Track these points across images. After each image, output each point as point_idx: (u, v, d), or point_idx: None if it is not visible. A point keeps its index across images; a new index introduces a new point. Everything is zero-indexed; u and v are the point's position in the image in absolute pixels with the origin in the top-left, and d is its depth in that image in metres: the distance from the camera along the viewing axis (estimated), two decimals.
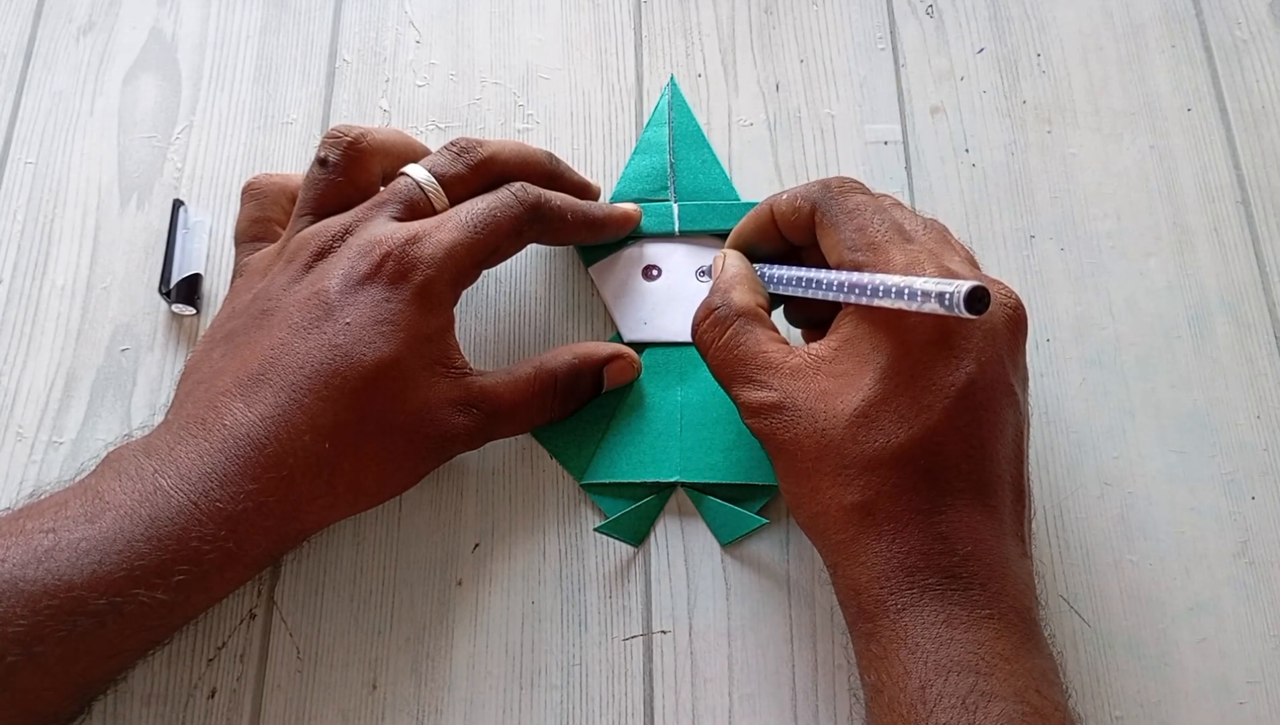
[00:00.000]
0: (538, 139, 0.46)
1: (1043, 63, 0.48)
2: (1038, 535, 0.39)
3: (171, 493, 0.32)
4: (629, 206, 0.43)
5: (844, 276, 0.33)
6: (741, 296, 0.36)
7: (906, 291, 0.30)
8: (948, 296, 0.28)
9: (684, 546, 0.39)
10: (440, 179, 0.38)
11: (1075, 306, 0.43)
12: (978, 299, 0.28)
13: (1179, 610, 0.38)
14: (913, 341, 0.32)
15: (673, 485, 0.40)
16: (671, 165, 0.45)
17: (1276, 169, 0.45)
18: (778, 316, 0.40)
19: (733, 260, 0.38)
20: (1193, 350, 0.42)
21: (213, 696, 0.37)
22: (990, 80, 0.47)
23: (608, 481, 0.40)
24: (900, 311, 0.32)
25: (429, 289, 0.36)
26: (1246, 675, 0.37)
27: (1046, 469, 0.40)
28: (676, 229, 0.43)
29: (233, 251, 0.41)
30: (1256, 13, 0.48)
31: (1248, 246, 0.44)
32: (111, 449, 0.34)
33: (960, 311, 0.28)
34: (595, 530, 0.39)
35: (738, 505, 0.39)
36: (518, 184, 0.39)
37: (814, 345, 0.34)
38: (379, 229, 0.37)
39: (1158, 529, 0.39)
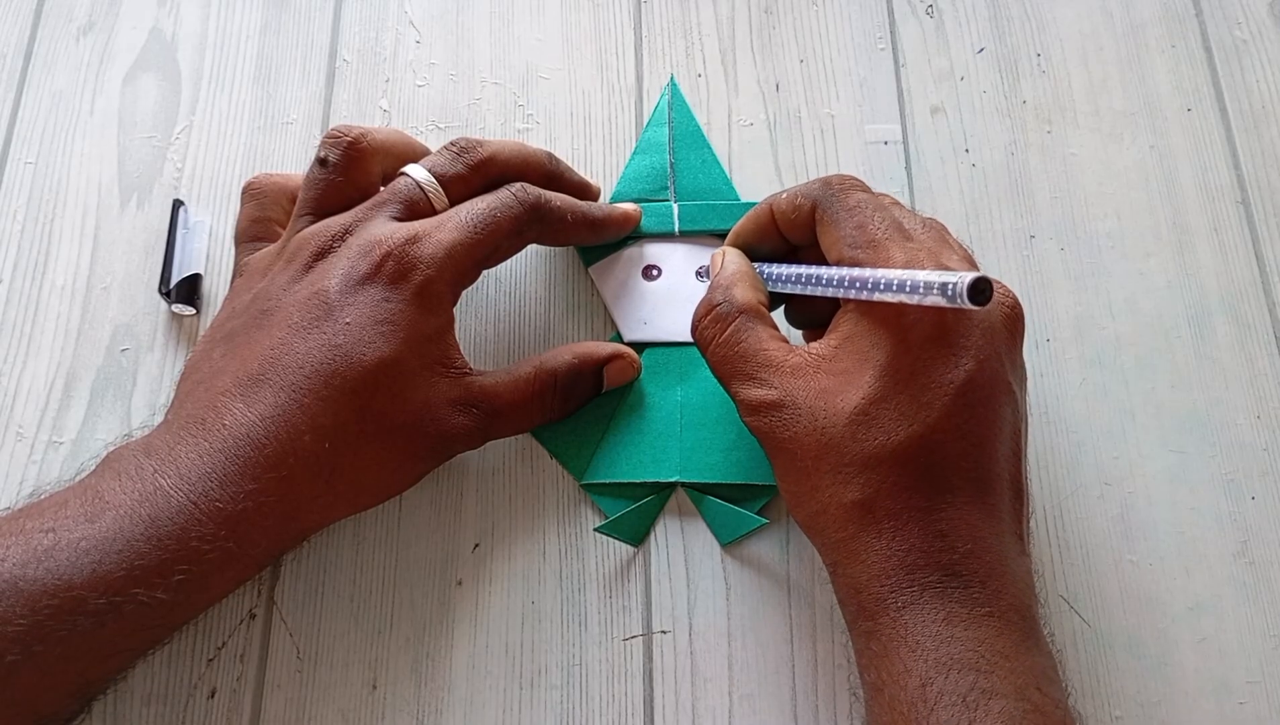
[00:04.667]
0: (538, 139, 0.46)
1: (1043, 63, 0.48)
2: (1037, 535, 0.39)
3: (171, 492, 0.32)
4: (629, 206, 0.43)
5: (845, 272, 0.33)
6: (743, 293, 0.36)
7: (909, 284, 0.30)
8: (951, 287, 0.28)
9: (684, 546, 0.39)
10: (440, 179, 0.38)
11: (1075, 306, 0.43)
12: (980, 290, 0.28)
13: (1179, 610, 0.38)
14: (912, 339, 0.32)
15: (673, 485, 0.40)
16: (671, 165, 0.45)
17: (1276, 169, 0.45)
18: (777, 317, 0.40)
19: (733, 257, 0.38)
20: (1193, 350, 0.42)
21: (213, 696, 0.37)
22: (990, 80, 0.47)
23: (608, 481, 0.40)
24: (900, 310, 0.32)
25: (429, 289, 0.36)
26: (1246, 675, 0.37)
27: (1046, 469, 0.40)
28: (676, 229, 0.43)
29: (233, 251, 0.41)
30: (1256, 13, 0.48)
31: (1248, 246, 0.44)
32: (111, 449, 0.34)
33: (964, 302, 0.28)
34: (595, 530, 0.39)
35: (738, 505, 0.39)
36: (518, 184, 0.39)
37: (814, 344, 0.34)
38: (379, 229, 0.37)
39: (1158, 529, 0.39)
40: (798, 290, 0.36)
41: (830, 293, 0.34)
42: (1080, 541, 0.39)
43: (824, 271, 0.34)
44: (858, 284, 0.32)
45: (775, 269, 0.37)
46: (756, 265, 0.38)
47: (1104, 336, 0.42)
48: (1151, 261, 0.44)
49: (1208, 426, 0.41)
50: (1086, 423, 0.41)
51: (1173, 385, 0.41)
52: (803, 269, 0.36)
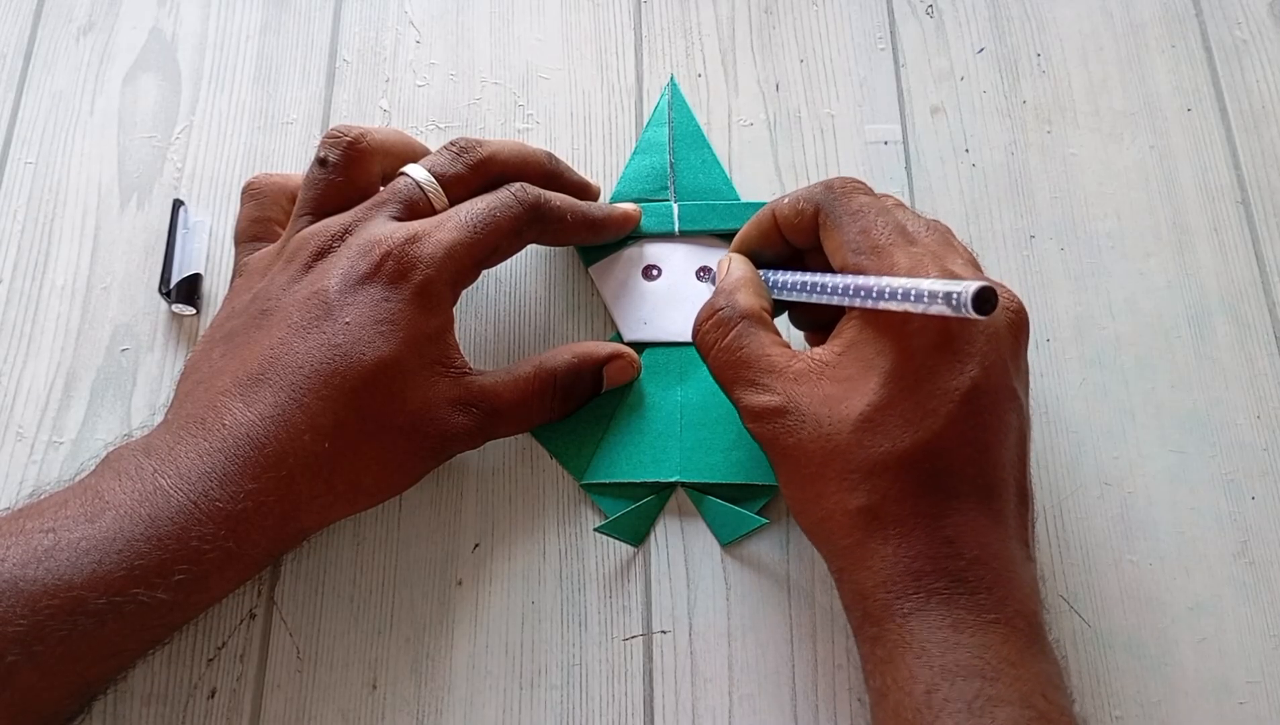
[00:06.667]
0: (538, 139, 0.46)
1: (1043, 63, 0.48)
2: (1038, 535, 0.39)
3: (171, 492, 0.32)
4: (629, 206, 0.43)
5: (849, 280, 0.33)
6: (746, 299, 0.36)
7: (913, 293, 0.30)
8: (955, 297, 0.28)
9: (684, 546, 0.39)
10: (440, 179, 0.38)
11: (1075, 306, 0.43)
12: (985, 300, 0.28)
13: (1179, 610, 0.38)
14: (917, 346, 0.32)
15: (673, 485, 0.40)
16: (671, 165, 0.45)
17: (1276, 169, 0.45)
18: (780, 321, 0.40)
19: (738, 264, 0.38)
20: (1193, 350, 0.42)
21: (213, 696, 0.37)
22: (990, 80, 0.47)
23: (608, 481, 0.40)
24: (905, 316, 0.32)
25: (428, 288, 0.36)
26: (1246, 675, 0.37)
27: (1046, 469, 0.40)
28: (676, 229, 0.43)
29: (233, 251, 0.41)
30: (1256, 13, 0.48)
31: (1248, 246, 0.44)
32: (111, 449, 0.34)
33: (968, 312, 0.28)
34: (595, 530, 0.39)
35: (738, 505, 0.39)
36: (517, 184, 0.39)
37: (817, 350, 0.34)
38: (379, 229, 0.37)
39: (1158, 529, 0.39)
40: (803, 298, 0.36)
41: (835, 301, 0.34)
42: (1080, 541, 0.39)
43: (828, 280, 0.34)
44: (862, 293, 0.32)
45: (780, 276, 0.37)
46: (762, 272, 0.38)
47: (1104, 336, 0.42)
48: (1151, 261, 0.44)
49: (1208, 426, 0.41)
50: (1086, 423, 0.41)
51: (1173, 385, 0.41)
52: (807, 277, 0.36)
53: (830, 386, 0.33)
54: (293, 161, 0.46)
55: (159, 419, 0.36)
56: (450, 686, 0.37)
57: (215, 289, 0.44)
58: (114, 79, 0.48)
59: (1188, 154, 0.45)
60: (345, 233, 0.37)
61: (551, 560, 0.39)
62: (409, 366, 0.35)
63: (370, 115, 0.47)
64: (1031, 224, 0.44)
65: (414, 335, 0.35)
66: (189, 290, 0.43)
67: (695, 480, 0.40)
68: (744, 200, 0.44)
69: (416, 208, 0.38)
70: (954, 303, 0.28)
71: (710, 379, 0.41)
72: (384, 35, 0.49)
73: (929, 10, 0.49)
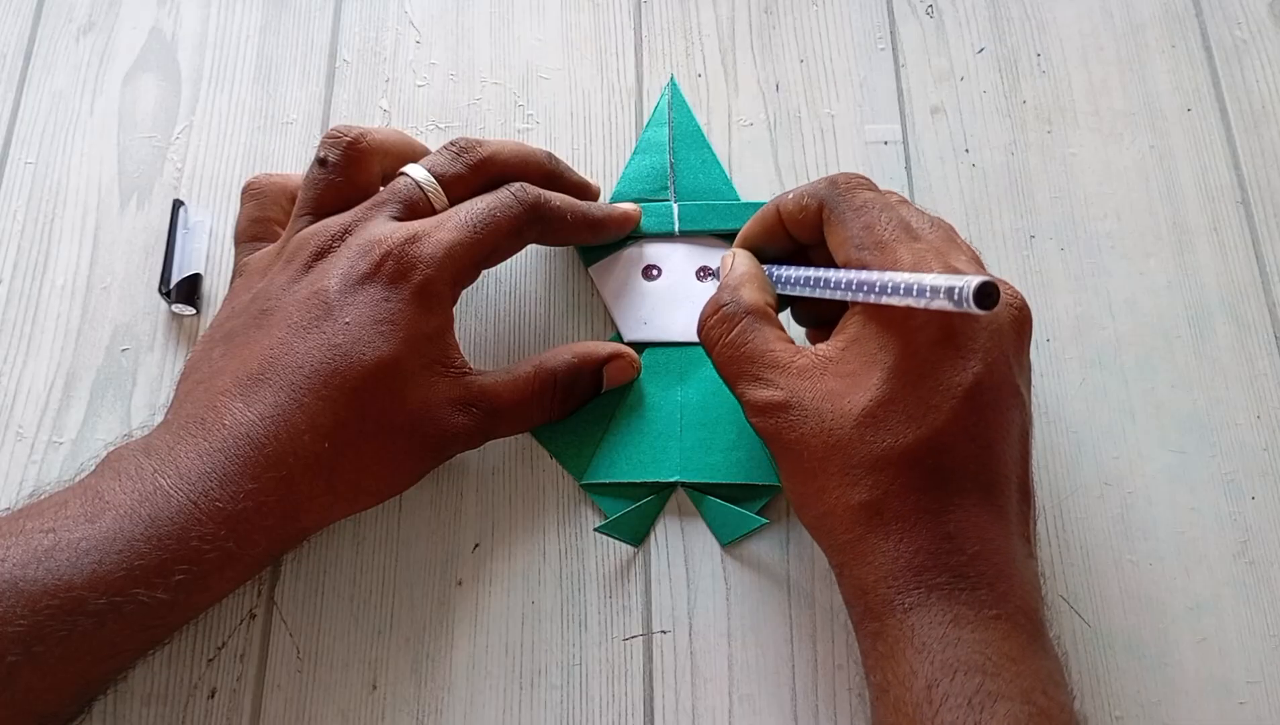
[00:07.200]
0: (538, 139, 0.46)
1: (1043, 63, 0.48)
2: (1038, 535, 0.39)
3: (171, 492, 0.32)
4: (629, 206, 0.43)
5: (852, 275, 0.33)
6: (750, 294, 0.36)
7: (915, 288, 0.30)
8: (957, 292, 0.28)
9: (684, 546, 0.39)
10: (440, 179, 0.38)
11: (1075, 306, 0.43)
12: (986, 294, 0.28)
13: (1179, 610, 0.38)
14: (920, 342, 0.32)
15: (673, 485, 0.40)
16: (671, 165, 0.45)
17: (1276, 169, 0.45)
18: (784, 317, 0.40)
19: (742, 259, 0.38)
20: (1193, 350, 0.42)
21: (213, 696, 0.37)
22: (990, 80, 0.47)
23: (608, 481, 0.40)
24: (907, 312, 0.32)
25: (428, 288, 0.36)
26: (1246, 675, 0.37)
27: (1046, 469, 0.40)
28: (676, 229, 0.43)
29: (233, 251, 0.41)
30: (1256, 13, 0.48)
31: (1248, 246, 0.44)
32: (111, 449, 0.34)
33: (970, 307, 0.28)
34: (595, 530, 0.39)
35: (738, 505, 0.39)
36: (517, 184, 0.39)
37: (821, 345, 0.34)
38: (378, 228, 0.37)
39: (1158, 529, 0.39)
40: (806, 292, 0.36)
41: (838, 296, 0.34)
42: (1080, 541, 0.39)
43: (832, 275, 0.34)
44: (865, 287, 0.32)
45: (784, 271, 0.37)
46: (766, 267, 0.38)
47: (1104, 336, 0.42)
48: (1151, 261, 0.44)
49: (1208, 426, 0.41)
50: (1086, 423, 0.41)
51: (1173, 385, 0.41)
52: (811, 272, 0.36)
53: (833, 382, 0.33)
54: (293, 161, 0.46)
55: (159, 419, 0.36)
56: (450, 686, 0.37)
57: (215, 289, 0.44)
58: (114, 79, 0.48)
59: (1188, 154, 0.45)
60: (345, 233, 0.37)
61: (551, 560, 0.39)
62: (409, 366, 0.35)
63: (370, 115, 0.47)
64: (1031, 224, 0.44)
65: (414, 335, 0.35)
66: (189, 290, 0.43)
67: (695, 480, 0.40)
68: (744, 200, 0.44)
69: (416, 208, 0.38)
70: (956, 297, 0.28)
71: (710, 379, 0.41)
72: (384, 35, 0.49)
73: (929, 10, 0.49)
